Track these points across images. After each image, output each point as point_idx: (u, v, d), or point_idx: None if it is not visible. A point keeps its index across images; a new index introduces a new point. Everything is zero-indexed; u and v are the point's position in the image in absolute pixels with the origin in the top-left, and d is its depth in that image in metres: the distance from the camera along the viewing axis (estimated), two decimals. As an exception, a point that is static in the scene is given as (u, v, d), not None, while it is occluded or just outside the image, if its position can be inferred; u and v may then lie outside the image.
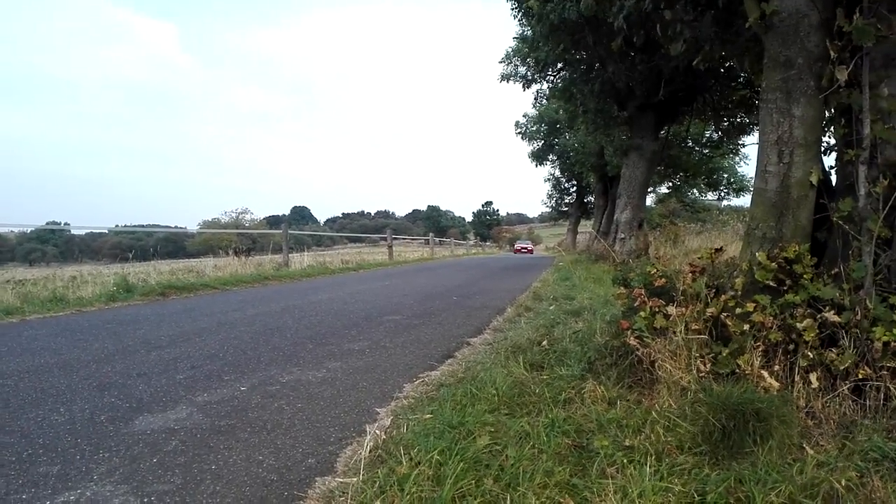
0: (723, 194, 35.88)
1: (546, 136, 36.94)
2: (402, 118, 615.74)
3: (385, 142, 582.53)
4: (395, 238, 26.84)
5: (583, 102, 16.15)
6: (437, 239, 37.85)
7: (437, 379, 3.78)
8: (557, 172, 45.33)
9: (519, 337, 4.80)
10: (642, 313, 3.29)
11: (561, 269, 13.86)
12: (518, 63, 20.58)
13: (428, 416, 2.92)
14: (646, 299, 3.35)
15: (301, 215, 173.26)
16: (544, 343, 4.41)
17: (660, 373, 3.02)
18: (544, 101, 24.96)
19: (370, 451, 2.51)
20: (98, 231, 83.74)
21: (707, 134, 26.24)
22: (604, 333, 3.97)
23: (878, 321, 2.73)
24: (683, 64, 9.55)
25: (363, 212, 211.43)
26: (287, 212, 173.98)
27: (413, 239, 49.69)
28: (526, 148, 39.04)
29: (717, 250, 3.63)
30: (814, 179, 3.28)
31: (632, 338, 3.23)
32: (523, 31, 17.33)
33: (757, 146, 3.59)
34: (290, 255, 15.49)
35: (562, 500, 2.01)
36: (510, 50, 20.91)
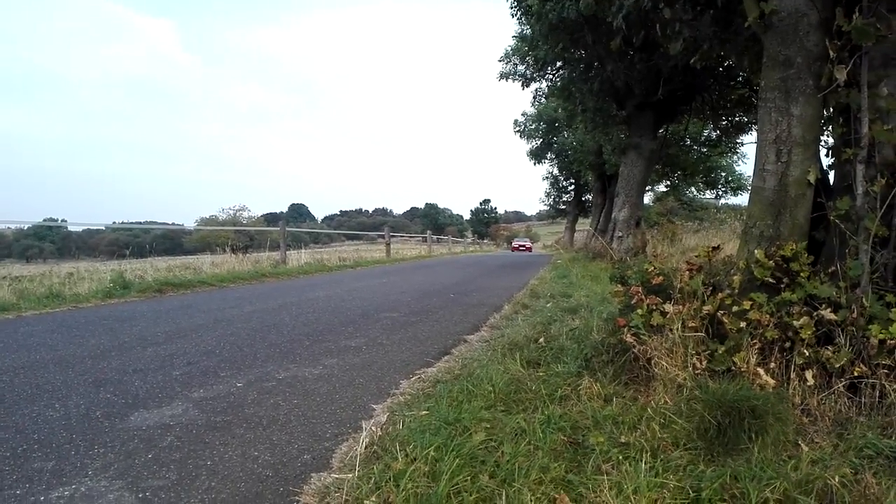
0: (720, 193, 35.94)
1: (545, 135, 36.92)
2: (401, 116, 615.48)
3: (383, 140, 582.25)
4: (393, 236, 26.84)
5: (581, 101, 16.18)
6: (435, 237, 37.85)
7: (434, 376, 3.78)
8: (556, 171, 45.36)
9: (516, 334, 4.80)
10: (639, 311, 3.29)
11: (558, 266, 13.88)
12: (517, 62, 20.58)
13: (424, 412, 2.92)
14: (643, 297, 3.35)
15: (299, 213, 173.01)
16: (541, 340, 4.41)
17: (656, 370, 3.03)
18: (543, 99, 24.95)
19: (366, 448, 2.50)
20: (95, 228, 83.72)
21: (705, 133, 26.25)
22: (600, 331, 3.97)
23: (875, 319, 2.74)
24: (682, 63, 9.56)
25: (361, 209, 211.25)
26: (285, 209, 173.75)
27: (411, 237, 49.77)
28: (524, 146, 39.07)
29: (714, 248, 3.63)
30: (811, 178, 3.28)
31: (628, 335, 3.23)
32: (523, 29, 17.35)
33: (755, 145, 3.59)
34: (287, 252, 15.47)
35: (557, 496, 2.00)
36: (509, 48, 20.91)
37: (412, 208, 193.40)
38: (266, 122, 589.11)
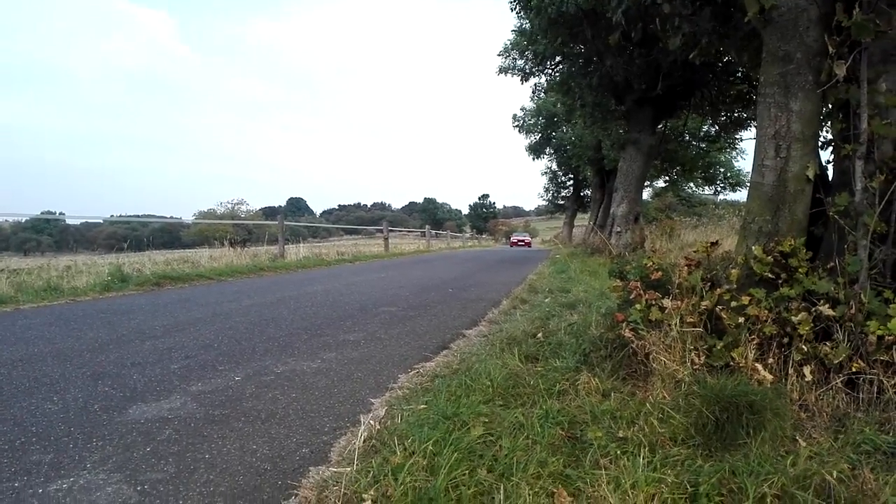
0: (719, 189, 35.94)
1: (543, 130, 36.88)
2: (400, 110, 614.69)
3: (382, 134, 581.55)
4: (392, 230, 26.82)
5: (580, 96, 16.15)
6: (434, 231, 37.82)
7: (432, 370, 3.79)
8: (554, 166, 45.34)
9: (514, 329, 4.81)
10: (638, 306, 3.30)
11: (557, 262, 13.88)
12: (516, 56, 20.51)
13: (422, 406, 2.92)
14: (642, 292, 3.35)
15: (297, 206, 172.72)
16: (539, 335, 4.41)
17: (654, 365, 3.03)
18: (542, 94, 24.90)
19: (364, 441, 2.51)
20: (93, 221, 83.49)
21: (704, 128, 26.22)
22: (599, 326, 3.97)
23: (873, 315, 2.74)
24: (681, 58, 9.55)
25: (359, 204, 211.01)
26: (283, 203, 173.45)
27: (409, 231, 49.68)
28: (523, 141, 38.98)
29: (712, 244, 3.63)
30: (810, 174, 3.28)
31: (627, 330, 3.23)
32: (522, 23, 17.29)
33: (754, 141, 3.59)
34: (285, 246, 15.47)
35: (555, 491, 2.01)
36: (509, 43, 20.84)
37: (411, 203, 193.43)
38: (265, 116, 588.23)
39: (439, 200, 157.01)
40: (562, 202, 51.00)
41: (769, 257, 3.14)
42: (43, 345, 4.49)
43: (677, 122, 20.21)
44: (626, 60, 12.46)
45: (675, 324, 3.08)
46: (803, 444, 2.36)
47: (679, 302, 3.18)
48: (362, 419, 2.84)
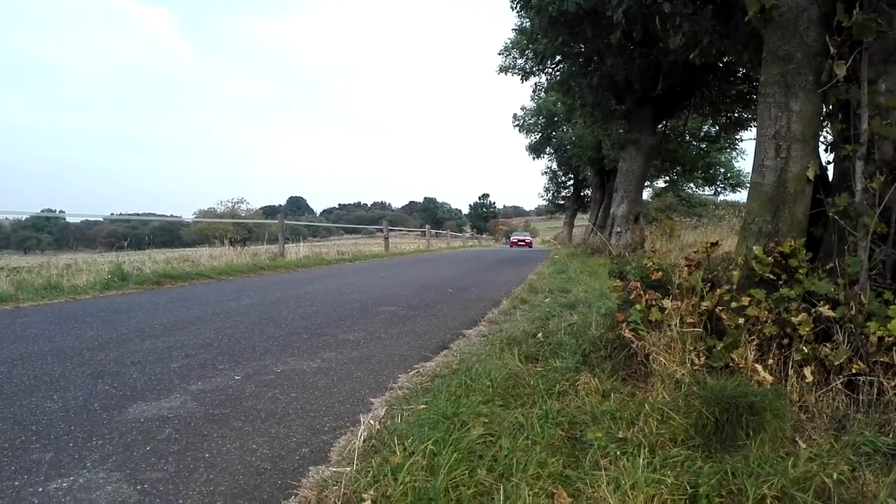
0: (719, 189, 35.92)
1: (544, 129, 36.90)
2: (401, 110, 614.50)
3: (382, 133, 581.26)
4: (392, 230, 26.84)
5: (581, 95, 16.14)
6: (434, 231, 37.81)
7: (432, 370, 3.79)
8: (555, 165, 45.34)
9: (514, 329, 4.81)
10: (638, 306, 3.30)
11: (557, 262, 13.88)
12: (517, 55, 20.50)
13: (422, 406, 2.92)
14: (642, 292, 3.35)
15: (297, 206, 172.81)
16: (539, 335, 4.41)
17: (654, 366, 3.03)
18: (542, 93, 24.90)
19: (364, 441, 2.51)
20: (93, 219, 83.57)
21: (705, 128, 26.23)
22: (599, 326, 3.97)
23: (873, 316, 2.74)
24: (682, 58, 9.54)
25: (360, 203, 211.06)
26: (283, 202, 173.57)
27: (409, 231, 49.65)
28: (523, 140, 38.97)
29: (712, 244, 3.63)
30: (810, 174, 3.28)
31: (627, 330, 3.23)
32: (522, 22, 17.28)
33: (754, 141, 3.59)
34: (285, 245, 15.46)
35: (555, 491, 2.01)
36: (509, 42, 20.83)
37: (411, 202, 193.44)
38: (265, 114, 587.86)
39: (439, 200, 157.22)
40: (562, 202, 51.00)
41: (769, 258, 3.14)
42: (43, 343, 4.49)
43: (677, 122, 20.23)
44: (627, 60, 12.45)
45: (675, 324, 3.08)
46: (803, 445, 2.36)
47: (679, 302, 3.18)
48: (362, 419, 2.84)
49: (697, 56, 5.62)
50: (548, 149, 39.28)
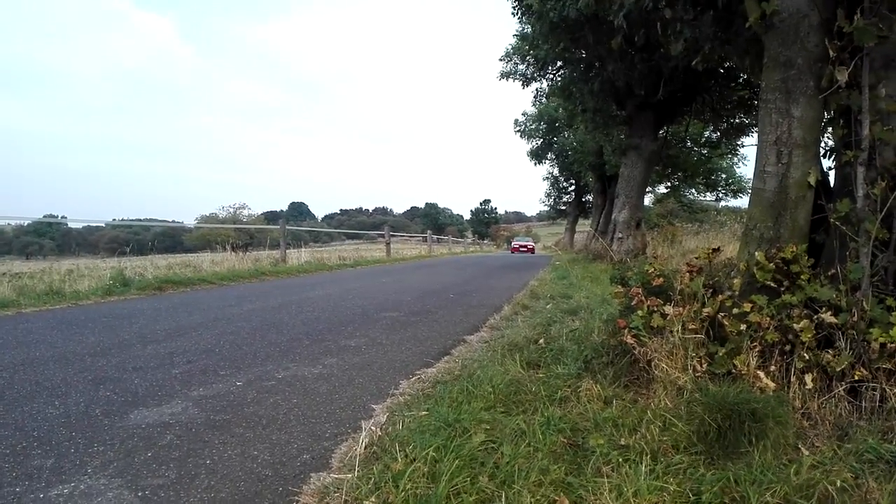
0: (721, 195, 35.89)
1: (545, 135, 36.89)
2: (402, 115, 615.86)
3: (384, 138, 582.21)
4: (393, 235, 26.86)
5: (582, 101, 16.17)
6: (435, 237, 37.84)
7: (434, 376, 3.78)
8: (556, 171, 45.32)
9: (516, 335, 4.80)
10: (639, 312, 3.29)
11: (558, 267, 13.87)
12: (518, 61, 20.55)
13: (424, 412, 2.92)
14: (643, 298, 3.35)
15: (299, 211, 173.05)
16: (541, 341, 4.41)
17: (656, 372, 3.02)
18: (544, 99, 24.95)
19: (365, 448, 2.50)
20: (95, 225, 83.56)
21: (706, 134, 26.24)
22: (601, 332, 3.97)
23: (875, 323, 2.73)
24: (683, 64, 9.56)
25: (361, 208, 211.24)
26: (285, 207, 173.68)
27: (411, 236, 49.66)
28: (525, 146, 39.06)
29: (714, 250, 3.62)
30: (812, 180, 3.28)
31: (629, 336, 3.23)
32: (523, 28, 17.32)
33: (756, 147, 3.59)
34: (287, 250, 15.47)
35: (557, 499, 2.00)
36: (510, 48, 20.88)
37: (412, 208, 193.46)
38: (267, 120, 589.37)
39: (441, 206, 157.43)
40: (563, 208, 50.95)
41: (771, 264, 3.13)
42: (45, 349, 4.49)
43: (679, 128, 20.24)
44: (628, 66, 12.46)
45: (677, 330, 3.07)
46: (806, 452, 2.35)
47: (681, 308, 3.17)
48: (363, 425, 2.83)
49: (700, 62, 5.63)
50: (549, 154, 39.28)
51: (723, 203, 37.52)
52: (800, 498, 1.95)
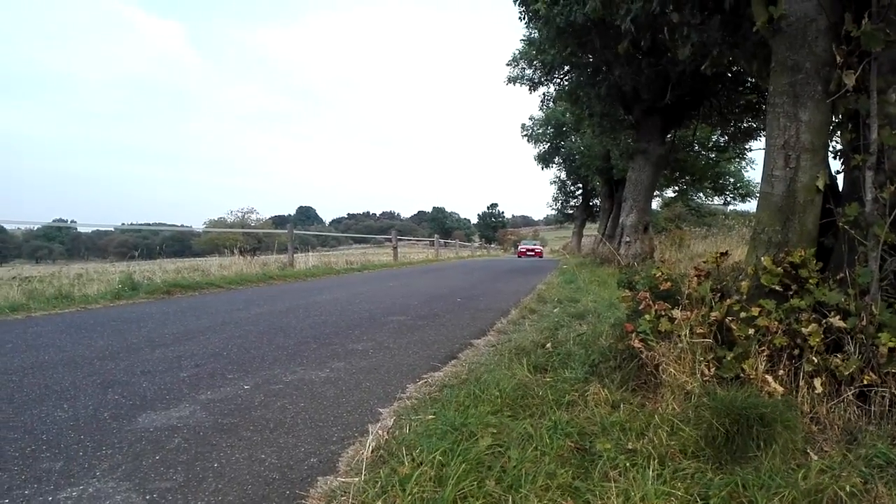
0: (729, 199, 35.78)
1: (552, 139, 36.91)
2: (409, 120, 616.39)
3: (391, 143, 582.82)
4: (400, 239, 26.87)
5: (589, 105, 16.16)
6: (442, 241, 37.81)
7: (441, 380, 3.78)
8: (563, 175, 45.28)
9: (523, 339, 4.80)
10: (647, 316, 3.28)
11: (566, 271, 13.85)
12: (525, 66, 20.59)
13: (430, 416, 2.92)
14: (651, 302, 3.34)
15: (306, 215, 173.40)
16: (548, 345, 4.40)
17: (664, 376, 3.02)
18: (551, 103, 24.95)
19: (372, 451, 2.51)
20: (105, 229, 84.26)
21: (713, 138, 26.15)
22: (608, 336, 3.96)
23: (884, 327, 2.71)
24: (690, 68, 9.55)
25: (368, 213, 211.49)
26: (293, 212, 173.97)
27: (418, 240, 49.57)
28: (532, 150, 38.96)
29: (722, 254, 3.61)
30: (820, 184, 3.27)
31: (636, 341, 3.22)
32: (530, 33, 17.34)
33: (763, 151, 3.58)
34: (295, 255, 15.52)
35: (564, 503, 2.00)
36: (517, 52, 20.92)
37: (420, 212, 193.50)
38: (275, 125, 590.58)
39: (448, 210, 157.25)
40: (570, 212, 50.84)
41: (779, 268, 3.12)
42: (54, 352, 4.52)
43: (686, 132, 20.19)
44: (635, 70, 12.45)
45: (685, 335, 3.06)
46: (815, 457, 2.34)
47: (689, 313, 3.16)
48: (370, 429, 2.84)
49: (708, 67, 5.61)
50: (556, 158, 39.27)
51: (731, 207, 37.47)
52: (808, 503, 1.94)
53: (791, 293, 3.08)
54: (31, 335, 5.32)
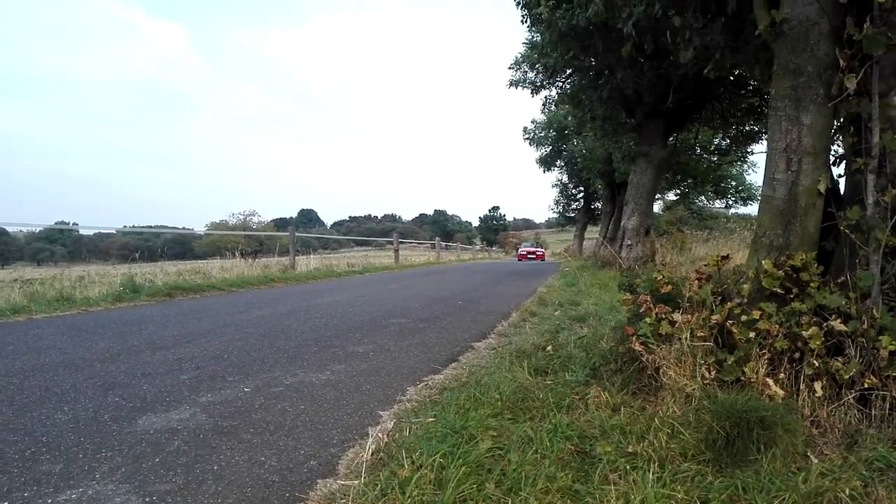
0: (730, 202, 35.76)
1: (554, 142, 36.90)
2: (411, 123, 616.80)
3: (393, 146, 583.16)
4: (402, 242, 26.89)
5: (591, 108, 16.17)
6: (444, 243, 37.83)
7: (441, 383, 3.78)
8: (565, 178, 45.29)
9: (524, 342, 4.79)
10: (648, 319, 3.28)
11: (567, 274, 13.85)
12: (527, 69, 20.57)
13: (431, 419, 2.91)
14: (651, 305, 3.34)
15: (308, 218, 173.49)
16: (549, 348, 4.40)
17: (664, 379, 3.01)
18: (553, 106, 24.97)
19: (372, 454, 2.51)
20: (106, 231, 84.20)
21: (715, 141, 26.15)
22: (609, 339, 3.96)
23: (885, 330, 2.71)
24: (692, 71, 9.54)
25: (370, 215, 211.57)
26: (294, 214, 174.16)
27: (419, 243, 49.61)
28: (534, 153, 38.99)
29: (723, 258, 3.61)
30: (822, 188, 3.26)
31: (637, 344, 3.22)
32: (533, 37, 17.35)
33: (765, 154, 3.58)
34: (296, 257, 15.54)
35: (563, 506, 2.00)
36: (519, 56, 20.90)
37: (421, 215, 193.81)
38: (275, 127, 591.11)
39: (449, 212, 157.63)
40: (572, 215, 50.82)
41: (780, 271, 3.12)
42: (55, 355, 4.53)
43: (688, 135, 20.17)
44: (637, 73, 12.45)
45: (686, 338, 3.06)
46: (815, 460, 2.33)
47: (689, 316, 3.16)
48: (370, 431, 2.83)
49: (712, 70, 5.61)
50: (558, 161, 39.26)
51: (732, 210, 37.42)
52: (809, 507, 1.94)
53: (792, 296, 3.08)
54: (32, 337, 5.32)
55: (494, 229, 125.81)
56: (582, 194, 47.12)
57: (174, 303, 8.41)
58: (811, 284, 3.03)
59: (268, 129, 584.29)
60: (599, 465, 2.30)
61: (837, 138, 3.47)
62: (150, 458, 2.52)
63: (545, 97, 21.17)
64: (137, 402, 3.34)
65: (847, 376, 2.70)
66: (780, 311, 3.01)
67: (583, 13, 9.89)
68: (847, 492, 1.98)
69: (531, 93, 20.03)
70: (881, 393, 2.64)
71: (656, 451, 2.41)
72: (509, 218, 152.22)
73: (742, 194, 33.83)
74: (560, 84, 18.50)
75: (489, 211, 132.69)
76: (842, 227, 3.08)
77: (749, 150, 22.87)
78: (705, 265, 3.61)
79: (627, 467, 2.28)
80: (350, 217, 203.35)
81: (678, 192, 36.28)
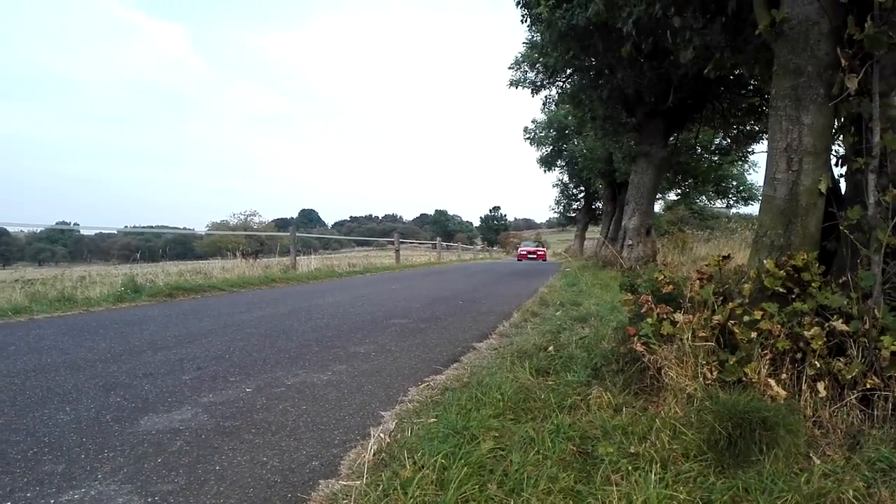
0: (731, 202, 35.74)
1: (555, 142, 36.89)
2: (411, 122, 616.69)
3: (393, 146, 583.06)
4: (403, 242, 26.89)
5: (591, 108, 16.17)
6: (445, 243, 37.82)
7: (443, 383, 3.78)
8: (566, 178, 45.28)
9: (525, 342, 4.79)
10: (649, 320, 3.28)
11: (568, 274, 13.84)
12: (527, 69, 20.56)
13: (432, 420, 2.92)
14: (653, 306, 3.34)
15: (309, 218, 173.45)
16: (550, 349, 4.39)
17: (666, 380, 3.01)
18: (553, 106, 24.96)
19: (374, 455, 2.51)
20: (107, 232, 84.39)
21: (716, 141, 26.13)
22: (610, 339, 3.96)
23: (887, 330, 2.71)
24: (693, 71, 9.55)
25: (371, 215, 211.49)
26: (295, 214, 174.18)
27: (420, 243, 49.61)
28: (534, 153, 38.93)
29: (724, 257, 3.61)
30: (823, 187, 3.26)
31: (638, 344, 3.21)
32: (533, 37, 17.35)
33: (766, 154, 3.57)
34: (297, 257, 15.54)
35: (565, 507, 2.00)
36: (519, 55, 20.91)
37: (422, 215, 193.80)
38: (276, 127, 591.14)
39: (450, 213, 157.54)
40: (573, 215, 50.81)
41: (781, 271, 3.12)
42: (56, 355, 4.53)
43: (689, 135, 20.16)
44: (637, 73, 12.44)
45: (687, 338, 3.06)
46: (817, 461, 2.33)
47: (691, 316, 3.16)
48: (372, 432, 2.84)
49: (712, 70, 5.61)
50: (559, 161, 39.26)
51: (733, 210, 37.39)
52: (811, 507, 1.93)
53: (794, 297, 3.08)
54: (34, 338, 5.33)
55: (495, 229, 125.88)
56: (583, 194, 47.12)
57: (175, 303, 8.41)
58: (813, 284, 3.03)
59: (268, 130, 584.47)
60: (601, 466, 2.30)
61: (838, 138, 3.47)
62: (152, 459, 2.53)
63: (545, 97, 21.16)
64: (139, 402, 3.34)
65: (849, 377, 2.70)
66: (781, 311, 3.00)
67: (583, 13, 9.89)
68: (850, 493, 1.98)
69: (531, 92, 20.02)
70: (883, 393, 2.64)
71: (658, 451, 2.41)
72: (510, 218, 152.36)
73: (743, 194, 33.83)
74: (560, 84, 18.48)
75: (490, 211, 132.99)
76: (843, 228, 3.08)
77: (750, 149, 22.86)
78: (706, 265, 3.61)
79: (629, 468, 2.28)
80: (351, 217, 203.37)
81: (679, 191, 36.27)
